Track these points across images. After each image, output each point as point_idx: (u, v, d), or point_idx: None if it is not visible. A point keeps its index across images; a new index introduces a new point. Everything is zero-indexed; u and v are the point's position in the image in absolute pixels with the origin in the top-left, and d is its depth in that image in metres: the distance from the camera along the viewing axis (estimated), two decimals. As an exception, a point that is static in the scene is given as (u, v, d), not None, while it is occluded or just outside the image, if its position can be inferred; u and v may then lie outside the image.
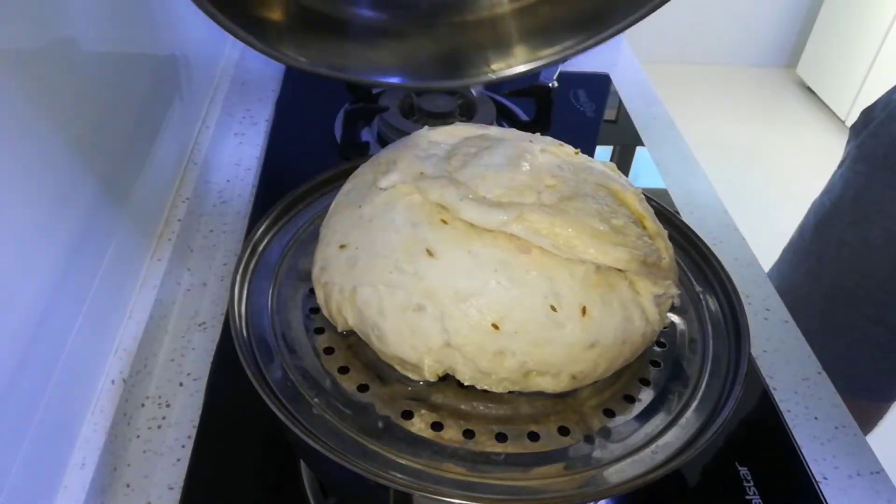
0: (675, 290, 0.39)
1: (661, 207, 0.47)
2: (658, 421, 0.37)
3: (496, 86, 0.86)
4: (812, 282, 0.78)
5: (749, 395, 0.55)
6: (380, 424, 0.35)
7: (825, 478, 0.51)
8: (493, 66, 0.42)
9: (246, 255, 0.42)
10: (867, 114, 0.74)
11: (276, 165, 0.75)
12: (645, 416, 0.37)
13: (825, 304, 0.76)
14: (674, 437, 0.36)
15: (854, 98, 2.44)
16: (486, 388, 0.36)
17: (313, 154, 0.78)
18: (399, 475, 0.32)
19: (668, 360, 0.40)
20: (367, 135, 0.80)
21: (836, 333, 0.75)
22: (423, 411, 0.36)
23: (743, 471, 0.49)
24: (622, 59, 1.04)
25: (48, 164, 0.41)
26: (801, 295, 0.76)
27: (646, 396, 0.38)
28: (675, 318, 0.43)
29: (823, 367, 0.58)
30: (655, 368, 0.40)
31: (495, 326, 0.34)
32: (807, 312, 0.68)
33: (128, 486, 0.46)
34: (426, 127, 0.44)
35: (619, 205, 0.40)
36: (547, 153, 0.41)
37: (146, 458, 0.48)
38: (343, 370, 0.38)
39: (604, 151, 0.86)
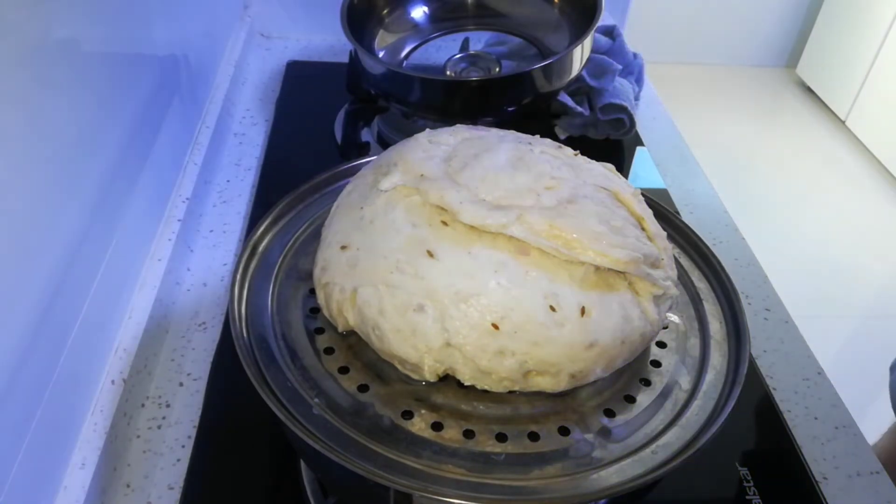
0: (674, 291, 0.39)
1: (661, 207, 0.47)
2: (658, 421, 0.37)
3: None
4: None
5: (749, 395, 0.55)
6: (380, 424, 0.35)
7: (825, 478, 0.51)
8: None
9: (246, 255, 0.42)
10: None
11: (276, 165, 0.75)
12: (645, 416, 0.37)
13: None
14: (674, 437, 0.36)
15: (854, 98, 2.43)
16: (486, 388, 0.36)
17: (313, 154, 0.78)
18: (399, 475, 0.32)
19: (668, 360, 0.41)
20: (367, 135, 0.80)
21: None
22: (423, 411, 0.36)
23: (743, 471, 0.49)
24: (622, 59, 1.04)
25: (48, 164, 0.41)
26: None
27: (646, 396, 0.38)
28: (674, 318, 0.43)
29: None
30: (655, 368, 0.40)
31: (495, 326, 0.34)
32: None
33: (128, 486, 0.46)
34: (427, 129, 0.44)
35: (619, 206, 0.40)
36: (546, 155, 0.42)
37: (146, 458, 0.48)
38: (343, 370, 0.38)
39: (604, 151, 0.86)
